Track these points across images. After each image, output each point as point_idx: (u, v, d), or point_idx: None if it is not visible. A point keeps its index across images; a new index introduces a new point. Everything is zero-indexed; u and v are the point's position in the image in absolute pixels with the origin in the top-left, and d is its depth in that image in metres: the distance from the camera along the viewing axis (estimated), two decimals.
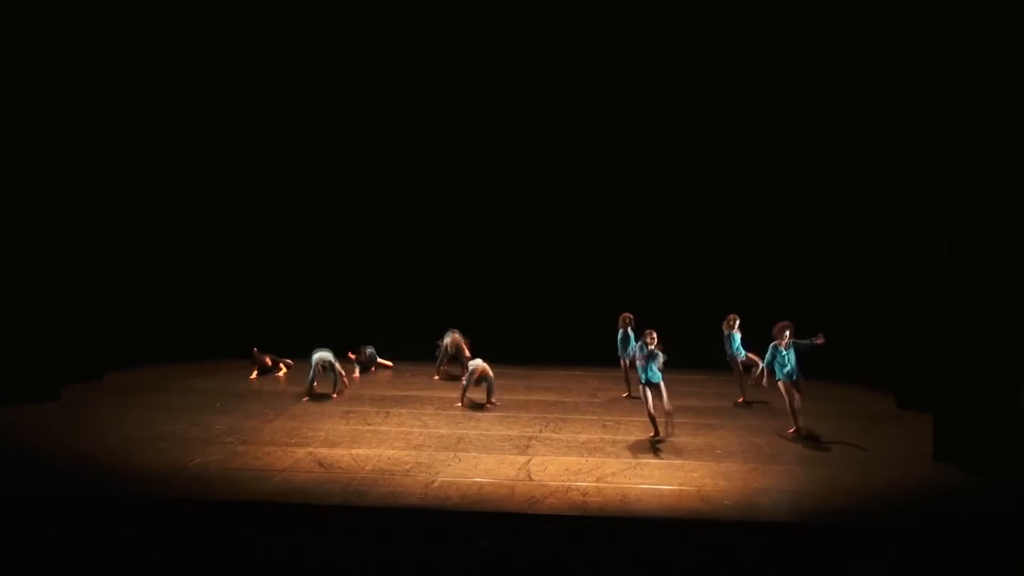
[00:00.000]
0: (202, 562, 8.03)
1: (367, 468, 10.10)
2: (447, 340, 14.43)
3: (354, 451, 10.70)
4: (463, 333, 14.43)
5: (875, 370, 14.22)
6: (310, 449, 10.75)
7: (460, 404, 12.83)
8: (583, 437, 11.47)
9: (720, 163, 16.33)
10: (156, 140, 15.79)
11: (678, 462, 10.51)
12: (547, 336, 14.63)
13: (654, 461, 10.52)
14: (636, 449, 10.98)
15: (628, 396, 13.40)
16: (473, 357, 13.58)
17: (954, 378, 10.57)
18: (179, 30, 15.66)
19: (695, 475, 10.06)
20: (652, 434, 11.33)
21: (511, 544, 8.38)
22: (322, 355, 13.08)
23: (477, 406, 12.79)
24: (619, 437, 11.48)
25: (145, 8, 14.97)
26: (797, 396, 11.52)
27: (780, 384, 11.60)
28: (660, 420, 11.31)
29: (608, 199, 16.44)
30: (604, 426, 12.00)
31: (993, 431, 10.31)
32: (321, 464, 10.23)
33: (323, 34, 16.43)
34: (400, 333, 15.48)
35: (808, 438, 11.50)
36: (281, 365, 14.65)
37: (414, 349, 15.14)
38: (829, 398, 13.69)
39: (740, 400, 13.22)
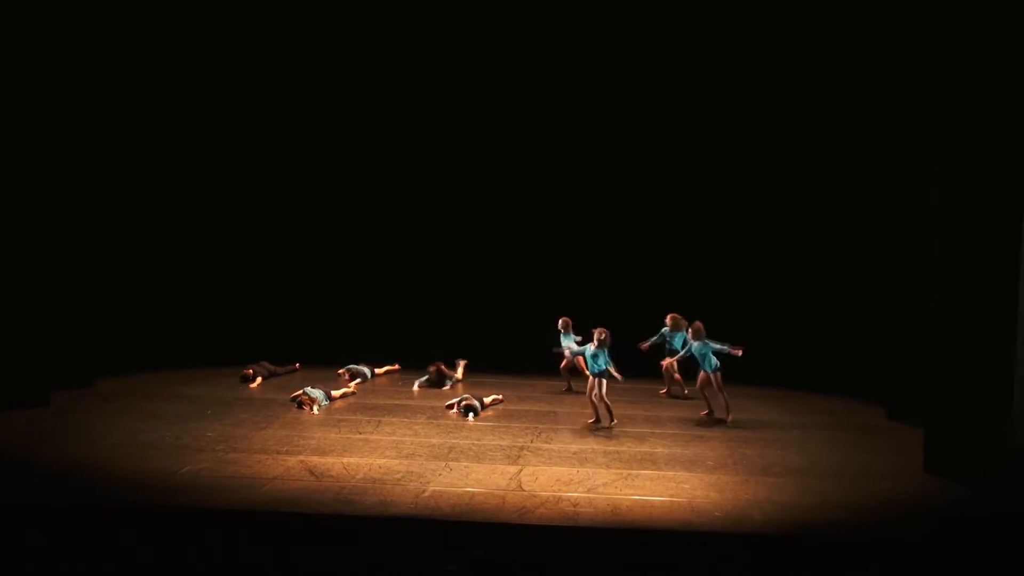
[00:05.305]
0: (191, 570, 7.99)
1: (358, 477, 10.08)
2: (432, 368, 14.69)
3: (345, 460, 10.68)
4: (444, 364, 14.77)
5: (864, 381, 14.25)
6: (301, 457, 10.72)
7: (454, 411, 12.85)
8: (574, 447, 11.47)
9: (710, 163, 16.38)
10: (149, 142, 15.76)
11: (669, 473, 10.51)
12: (540, 346, 14.59)
13: (645, 472, 10.52)
14: (627, 460, 10.97)
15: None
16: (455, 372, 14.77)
17: (944, 390, 10.58)
18: (173, 33, 15.69)
19: (686, 486, 10.06)
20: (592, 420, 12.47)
21: (501, 554, 8.36)
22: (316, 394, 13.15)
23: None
24: (610, 448, 11.48)
25: (129, 9, 14.91)
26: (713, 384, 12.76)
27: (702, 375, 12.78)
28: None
29: (606, 209, 16.50)
30: (596, 437, 11.99)
31: (984, 442, 10.32)
32: (312, 473, 10.20)
33: (317, 43, 16.53)
34: (395, 340, 15.51)
35: (794, 450, 11.53)
36: (258, 379, 14.52)
37: (408, 357, 15.17)
38: (820, 410, 13.74)
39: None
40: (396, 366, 15.50)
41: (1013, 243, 10.22)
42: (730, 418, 12.77)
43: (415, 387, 14.46)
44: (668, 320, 13.89)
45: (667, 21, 15.91)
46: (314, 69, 16.60)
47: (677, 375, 14.05)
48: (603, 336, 12.19)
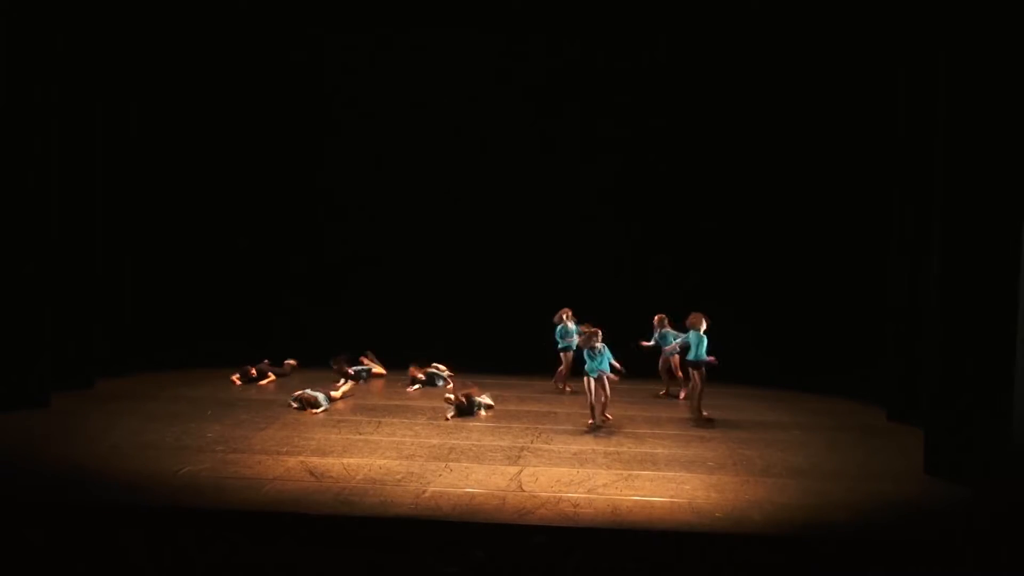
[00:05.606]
0: (191, 570, 7.99)
1: (358, 477, 10.08)
2: (414, 371, 14.74)
3: (345, 460, 10.68)
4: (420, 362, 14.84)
5: (865, 382, 14.24)
6: (301, 458, 10.72)
7: (449, 418, 12.83)
8: (575, 448, 11.46)
9: (711, 163, 16.42)
10: (149, 142, 15.77)
11: (669, 474, 10.50)
12: (540, 347, 14.60)
13: (645, 473, 10.51)
14: (627, 461, 10.97)
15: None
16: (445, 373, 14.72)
17: (945, 390, 10.57)
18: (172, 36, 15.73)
19: (686, 487, 10.06)
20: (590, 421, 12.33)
21: (502, 555, 8.36)
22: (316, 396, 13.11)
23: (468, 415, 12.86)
24: (611, 448, 11.48)
25: (138, 14, 14.93)
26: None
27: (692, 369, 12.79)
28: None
29: (606, 211, 16.53)
30: (596, 437, 11.99)
31: (984, 442, 10.31)
32: (312, 473, 10.20)
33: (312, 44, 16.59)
34: (396, 341, 15.52)
35: (794, 451, 11.54)
36: (270, 373, 14.59)
37: (409, 358, 15.18)
38: (820, 411, 13.72)
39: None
40: (369, 353, 15.42)
41: (1013, 244, 10.21)
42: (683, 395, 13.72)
43: (409, 389, 14.47)
44: (655, 321, 13.97)
45: (669, 22, 15.94)
46: (312, 70, 16.67)
47: (679, 373, 14.05)
48: (592, 333, 12.20)
